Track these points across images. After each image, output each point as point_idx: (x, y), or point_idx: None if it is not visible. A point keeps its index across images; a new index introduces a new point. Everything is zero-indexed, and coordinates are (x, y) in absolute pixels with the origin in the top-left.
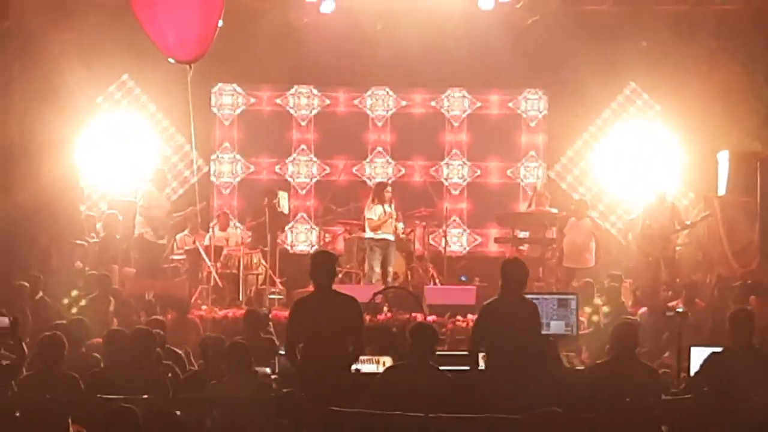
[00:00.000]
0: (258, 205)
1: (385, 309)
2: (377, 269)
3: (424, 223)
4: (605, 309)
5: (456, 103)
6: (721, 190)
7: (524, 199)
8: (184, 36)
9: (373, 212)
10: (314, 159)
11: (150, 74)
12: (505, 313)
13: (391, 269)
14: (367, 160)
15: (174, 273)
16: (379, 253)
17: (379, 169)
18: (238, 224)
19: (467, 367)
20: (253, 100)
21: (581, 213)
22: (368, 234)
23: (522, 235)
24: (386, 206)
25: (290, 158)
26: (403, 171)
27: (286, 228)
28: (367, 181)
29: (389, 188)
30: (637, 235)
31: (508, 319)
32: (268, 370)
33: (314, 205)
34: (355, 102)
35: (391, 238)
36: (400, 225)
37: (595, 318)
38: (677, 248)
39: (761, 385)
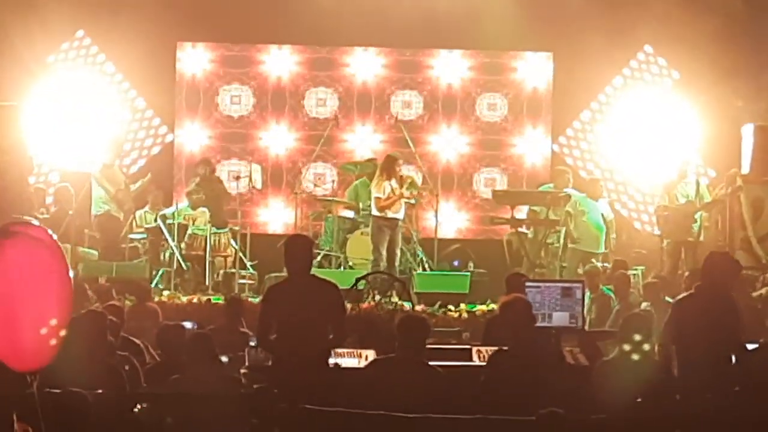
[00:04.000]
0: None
1: (369, 297)
2: (384, 252)
3: (413, 201)
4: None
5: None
6: (745, 168)
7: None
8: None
9: (381, 189)
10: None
11: (108, 30)
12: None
13: (398, 252)
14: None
15: (133, 254)
16: (387, 234)
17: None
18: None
19: (459, 363)
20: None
21: (595, 193)
22: (375, 212)
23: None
24: (394, 183)
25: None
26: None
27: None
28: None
29: (401, 161)
30: (658, 216)
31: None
32: (224, 358)
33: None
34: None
35: (401, 217)
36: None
37: None
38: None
39: None
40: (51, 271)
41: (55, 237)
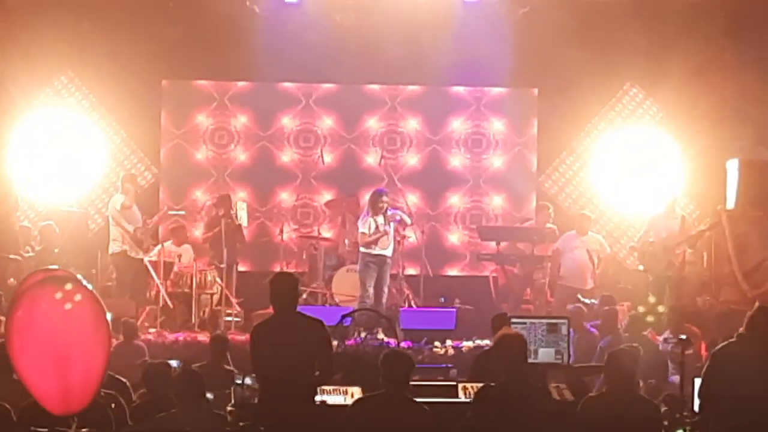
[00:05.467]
0: (213, 215)
1: (355, 333)
2: (371, 289)
3: (398, 238)
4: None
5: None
6: (730, 203)
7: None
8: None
9: (367, 225)
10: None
11: (94, 71)
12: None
13: (386, 290)
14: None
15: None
16: (374, 271)
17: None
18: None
19: (445, 399)
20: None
21: (584, 228)
22: (363, 249)
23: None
24: (380, 219)
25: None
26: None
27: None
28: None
29: (385, 198)
30: (640, 252)
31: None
32: (210, 395)
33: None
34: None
35: (388, 253)
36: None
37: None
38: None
39: None
40: (100, 317)
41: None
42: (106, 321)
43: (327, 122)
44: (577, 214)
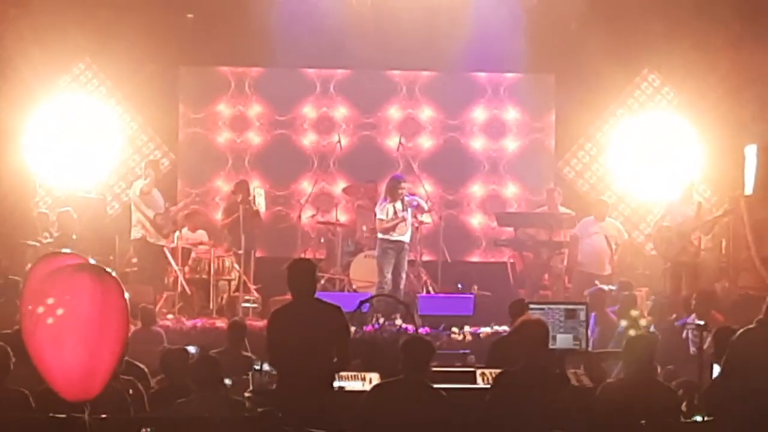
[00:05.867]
0: (231, 201)
1: (373, 319)
2: (389, 275)
3: (416, 224)
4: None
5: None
6: (749, 189)
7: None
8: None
9: (385, 212)
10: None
11: (112, 58)
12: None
13: (404, 275)
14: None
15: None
16: (392, 257)
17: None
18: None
19: (463, 385)
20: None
21: (601, 214)
22: (381, 235)
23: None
24: (398, 205)
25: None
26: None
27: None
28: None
29: (403, 184)
30: (655, 237)
31: None
32: (228, 381)
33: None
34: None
35: (406, 239)
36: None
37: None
38: (701, 253)
39: None
40: (122, 306)
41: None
42: (126, 306)
43: (344, 108)
44: (595, 200)
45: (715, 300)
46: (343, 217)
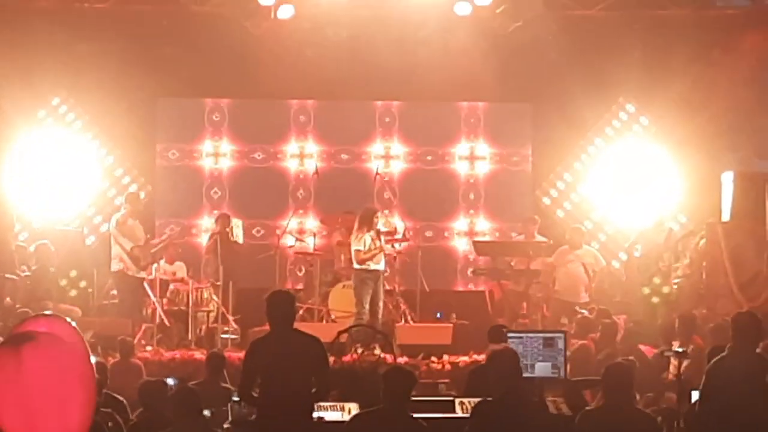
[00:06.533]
0: (212, 233)
1: (352, 350)
2: (366, 305)
3: (394, 255)
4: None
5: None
6: (726, 215)
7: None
8: None
9: (362, 242)
10: None
11: (89, 91)
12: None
13: (381, 305)
14: None
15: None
16: (370, 287)
17: None
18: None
19: (442, 415)
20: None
21: (576, 242)
22: (357, 266)
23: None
24: (373, 234)
25: None
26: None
27: None
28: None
29: (379, 214)
30: (625, 265)
31: None
32: (207, 412)
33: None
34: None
35: (382, 268)
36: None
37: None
38: (675, 281)
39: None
40: (74, 375)
41: (78, 331)
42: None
43: (321, 138)
44: (570, 228)
45: (697, 325)
46: (321, 248)
